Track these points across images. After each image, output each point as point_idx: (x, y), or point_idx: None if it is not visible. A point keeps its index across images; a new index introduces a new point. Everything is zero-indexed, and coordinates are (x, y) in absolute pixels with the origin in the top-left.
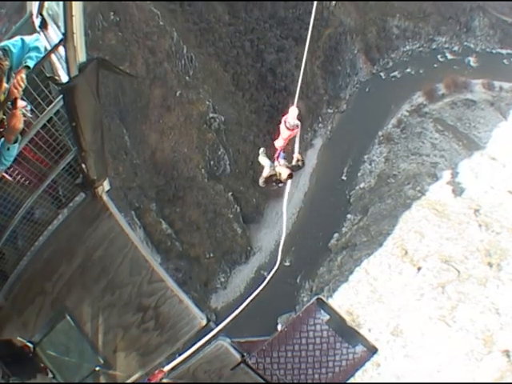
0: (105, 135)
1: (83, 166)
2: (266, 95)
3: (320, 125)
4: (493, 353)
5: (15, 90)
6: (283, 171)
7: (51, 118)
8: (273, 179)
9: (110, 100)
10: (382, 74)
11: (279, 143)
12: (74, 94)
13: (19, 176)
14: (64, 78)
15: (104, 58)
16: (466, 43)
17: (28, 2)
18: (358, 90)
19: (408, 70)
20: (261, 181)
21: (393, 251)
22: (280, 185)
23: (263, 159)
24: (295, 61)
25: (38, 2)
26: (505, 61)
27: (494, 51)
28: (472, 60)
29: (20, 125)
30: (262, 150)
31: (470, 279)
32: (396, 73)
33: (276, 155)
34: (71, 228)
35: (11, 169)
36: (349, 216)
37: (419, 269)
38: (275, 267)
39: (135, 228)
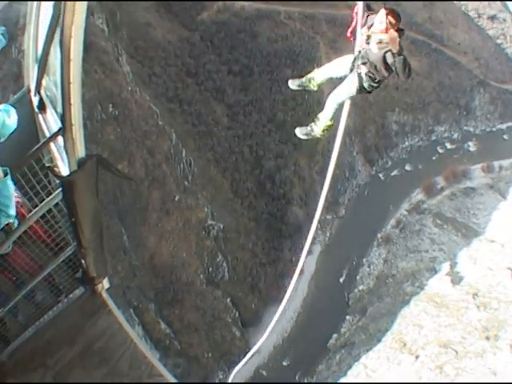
0: (104, 234)
1: (83, 261)
2: (265, 203)
3: (319, 231)
4: None
5: None
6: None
7: (50, 209)
8: (392, 57)
9: (108, 198)
10: (380, 174)
11: None
12: (73, 189)
13: (19, 259)
14: (63, 170)
15: (103, 157)
16: (465, 127)
17: (26, 75)
18: (357, 193)
19: (407, 168)
20: (382, 70)
21: (391, 345)
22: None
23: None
24: (294, 167)
25: (35, 80)
26: (505, 136)
27: (494, 129)
28: (471, 144)
29: None
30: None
31: (467, 355)
32: (395, 172)
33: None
34: (71, 318)
35: (12, 250)
36: (347, 317)
37: (417, 357)
38: None
39: (134, 325)
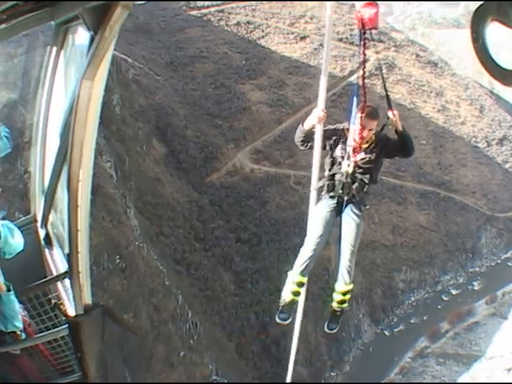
0: (109, 370)
1: None
2: (270, 364)
3: None
4: None
5: None
6: None
7: (57, 339)
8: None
9: (113, 342)
10: (386, 331)
11: None
12: (79, 329)
13: (26, 364)
14: (69, 310)
15: (110, 309)
16: (471, 269)
17: (32, 203)
18: (362, 351)
19: (412, 321)
20: None
21: None
22: None
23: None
24: (300, 332)
25: (41, 213)
26: (509, 263)
27: (499, 261)
28: (476, 284)
29: None
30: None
31: None
32: (400, 326)
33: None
34: None
35: (20, 355)
36: None
37: None
38: None
39: None
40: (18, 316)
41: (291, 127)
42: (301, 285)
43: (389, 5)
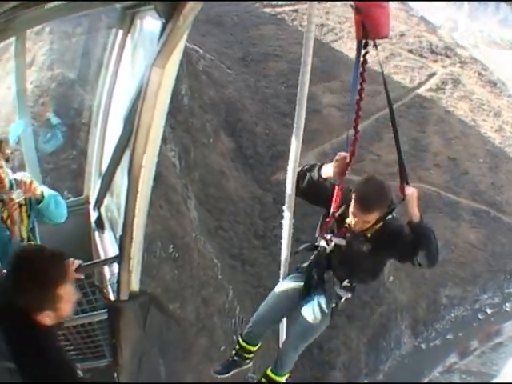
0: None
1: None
2: (309, 366)
3: None
4: None
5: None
6: None
7: (91, 322)
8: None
9: (153, 330)
10: (423, 345)
11: None
12: (119, 315)
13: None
14: (113, 295)
15: (157, 297)
16: (507, 290)
17: (86, 185)
18: (398, 362)
19: (448, 337)
20: None
21: None
22: None
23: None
24: (344, 337)
25: (96, 196)
26: None
27: None
28: (509, 305)
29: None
30: None
31: None
32: (437, 341)
33: None
34: None
35: None
36: None
37: None
38: None
39: None
40: (63, 213)
41: (360, 133)
42: (244, 350)
43: (454, 20)
